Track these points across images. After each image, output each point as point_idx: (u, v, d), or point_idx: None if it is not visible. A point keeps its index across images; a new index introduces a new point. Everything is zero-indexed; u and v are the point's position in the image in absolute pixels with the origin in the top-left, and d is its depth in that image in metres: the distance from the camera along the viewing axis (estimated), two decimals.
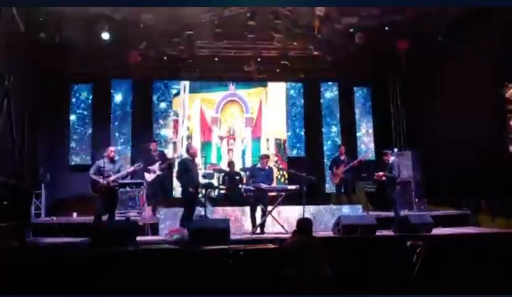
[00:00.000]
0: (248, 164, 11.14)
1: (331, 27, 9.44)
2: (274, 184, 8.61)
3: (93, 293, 4.81)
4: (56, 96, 10.44)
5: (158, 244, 6.74)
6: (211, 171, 10.13)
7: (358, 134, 11.84)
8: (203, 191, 8.01)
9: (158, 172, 9.06)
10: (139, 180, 9.17)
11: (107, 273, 5.01)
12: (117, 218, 7.69)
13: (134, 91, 11.21)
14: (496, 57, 8.12)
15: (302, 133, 11.76)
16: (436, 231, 7.65)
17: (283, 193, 7.88)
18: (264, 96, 11.79)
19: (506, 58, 7.82)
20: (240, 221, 8.04)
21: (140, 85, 11.25)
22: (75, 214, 9.21)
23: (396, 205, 8.07)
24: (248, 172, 8.98)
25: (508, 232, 7.46)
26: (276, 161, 11.44)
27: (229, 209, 8.26)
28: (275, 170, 10.22)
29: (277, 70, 11.17)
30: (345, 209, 8.61)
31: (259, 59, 10.90)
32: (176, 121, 11.41)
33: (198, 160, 8.97)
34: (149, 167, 9.05)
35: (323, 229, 7.92)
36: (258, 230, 7.61)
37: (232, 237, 6.75)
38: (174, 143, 11.31)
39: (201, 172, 9.32)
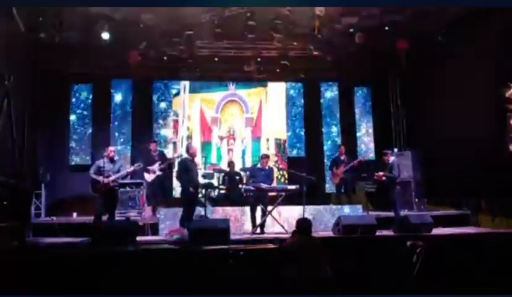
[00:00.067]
0: (248, 164, 11.14)
1: (331, 27, 9.44)
2: (274, 184, 8.60)
3: (93, 293, 4.80)
4: (56, 96, 10.44)
5: (158, 244, 6.74)
6: (211, 171, 10.13)
7: (358, 134, 11.84)
8: (203, 191, 8.00)
9: (158, 173, 9.06)
10: (139, 180, 9.18)
11: (107, 273, 5.01)
12: (117, 218, 7.70)
13: (134, 91, 11.21)
14: (496, 57, 8.11)
15: (302, 133, 11.76)
16: (436, 231, 7.65)
17: (283, 194, 7.87)
18: (264, 96, 11.79)
19: (506, 58, 7.81)
20: (240, 221, 8.03)
21: (140, 85, 11.25)
22: (75, 214, 9.21)
23: (396, 205, 8.07)
24: (248, 172, 8.98)
25: (508, 232, 7.46)
26: (276, 161, 11.44)
27: (229, 209, 8.25)
28: (275, 170, 10.20)
29: (277, 70, 11.15)
30: (345, 209, 8.61)
31: (259, 59, 10.88)
32: (176, 121, 11.41)
33: (198, 160, 9.00)
34: (149, 168, 9.04)
35: (323, 229, 7.92)
36: (258, 230, 7.61)
37: (232, 237, 6.75)
38: (174, 143, 11.30)
39: (201, 172, 9.33)
